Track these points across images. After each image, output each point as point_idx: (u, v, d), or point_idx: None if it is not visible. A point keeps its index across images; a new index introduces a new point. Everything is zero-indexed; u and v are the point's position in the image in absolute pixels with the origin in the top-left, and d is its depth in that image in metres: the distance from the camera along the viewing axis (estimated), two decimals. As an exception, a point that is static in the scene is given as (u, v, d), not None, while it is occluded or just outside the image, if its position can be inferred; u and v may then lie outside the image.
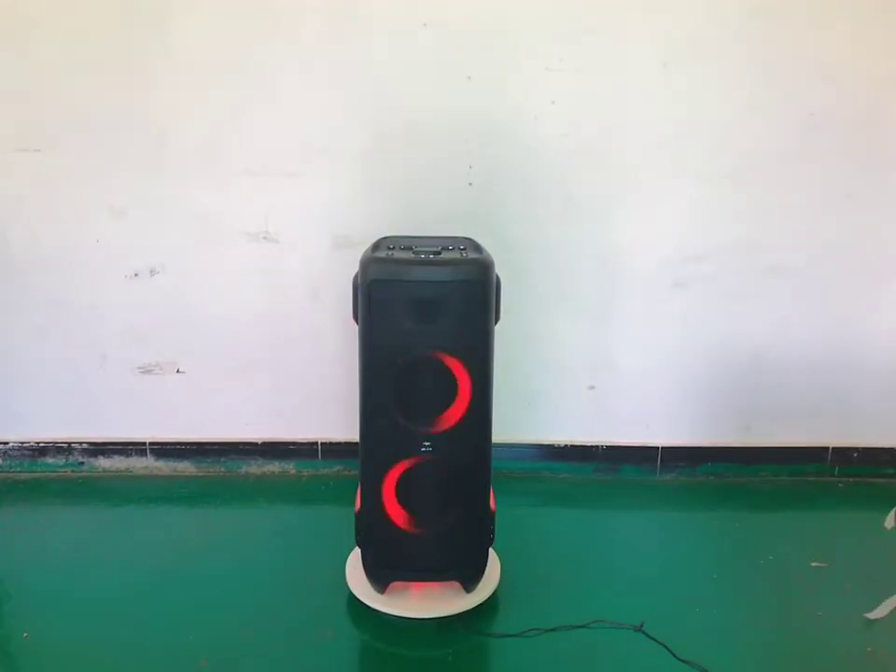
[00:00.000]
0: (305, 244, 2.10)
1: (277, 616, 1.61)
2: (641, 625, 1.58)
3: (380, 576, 1.64)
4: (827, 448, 2.26)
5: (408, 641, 1.57)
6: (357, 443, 1.60)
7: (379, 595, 1.64)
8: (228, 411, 2.23)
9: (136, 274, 2.12)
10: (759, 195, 2.08)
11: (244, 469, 2.26)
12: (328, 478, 2.24)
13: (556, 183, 2.06)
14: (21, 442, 2.24)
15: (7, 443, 2.24)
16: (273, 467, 2.27)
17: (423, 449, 1.54)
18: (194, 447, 2.25)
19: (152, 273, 2.12)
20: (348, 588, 1.68)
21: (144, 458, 2.25)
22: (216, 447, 2.25)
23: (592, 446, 2.26)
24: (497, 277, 1.53)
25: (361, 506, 1.61)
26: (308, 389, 2.21)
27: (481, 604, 1.64)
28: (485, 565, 1.66)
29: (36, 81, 1.99)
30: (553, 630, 1.57)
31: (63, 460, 2.25)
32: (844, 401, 2.23)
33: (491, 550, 1.69)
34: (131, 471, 2.25)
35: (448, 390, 1.53)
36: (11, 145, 2.03)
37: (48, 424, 2.23)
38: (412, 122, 2.02)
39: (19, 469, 2.25)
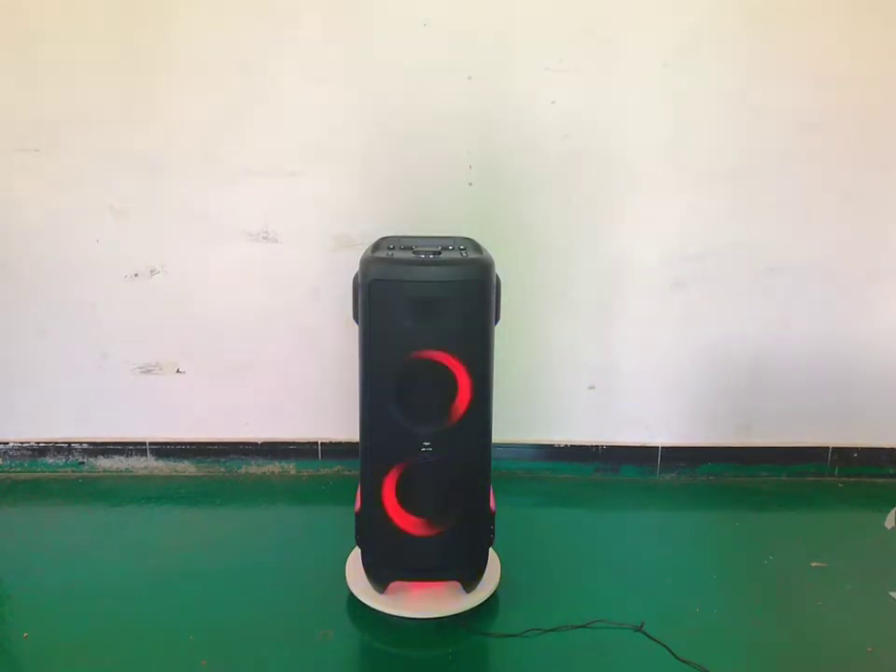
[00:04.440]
0: (305, 244, 2.10)
1: (277, 616, 1.61)
2: (641, 625, 1.58)
3: (380, 576, 1.64)
4: (827, 448, 2.26)
5: (408, 641, 1.57)
6: (357, 443, 1.60)
7: (379, 595, 1.64)
8: (228, 411, 2.23)
9: (136, 274, 2.12)
10: (759, 195, 2.08)
11: (244, 469, 2.26)
12: (328, 478, 2.24)
13: (556, 183, 2.06)
14: (21, 442, 2.24)
15: (7, 443, 2.24)
16: (273, 467, 2.27)
17: (423, 449, 1.54)
18: (194, 447, 2.25)
19: (152, 273, 2.12)
20: (348, 588, 1.68)
21: (144, 458, 2.25)
22: (216, 447, 2.25)
23: (592, 446, 2.26)
24: (497, 277, 1.53)
25: (361, 506, 1.61)
26: (308, 389, 2.21)
27: (481, 604, 1.64)
28: (485, 565, 1.66)
29: (36, 81, 1.99)
30: (553, 630, 1.57)
31: (63, 460, 2.25)
32: (844, 401, 2.23)
33: (491, 550, 1.69)
34: (131, 471, 2.26)
35: (448, 390, 1.52)
36: (11, 145, 2.03)
37: (48, 424, 2.23)
38: (412, 122, 2.02)
39: (19, 469, 2.25)
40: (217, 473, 2.26)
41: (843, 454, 2.26)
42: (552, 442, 2.26)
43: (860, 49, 1.99)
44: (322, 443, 2.25)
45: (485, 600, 1.65)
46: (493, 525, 1.66)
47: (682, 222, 2.10)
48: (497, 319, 1.55)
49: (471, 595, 1.64)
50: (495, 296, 1.53)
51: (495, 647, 1.56)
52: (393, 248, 1.59)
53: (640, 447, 2.26)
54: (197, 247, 2.10)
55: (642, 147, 2.05)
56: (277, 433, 2.25)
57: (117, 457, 2.25)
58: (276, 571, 1.77)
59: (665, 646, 1.52)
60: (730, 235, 2.11)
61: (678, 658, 1.49)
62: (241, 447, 2.25)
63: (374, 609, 1.62)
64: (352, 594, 1.67)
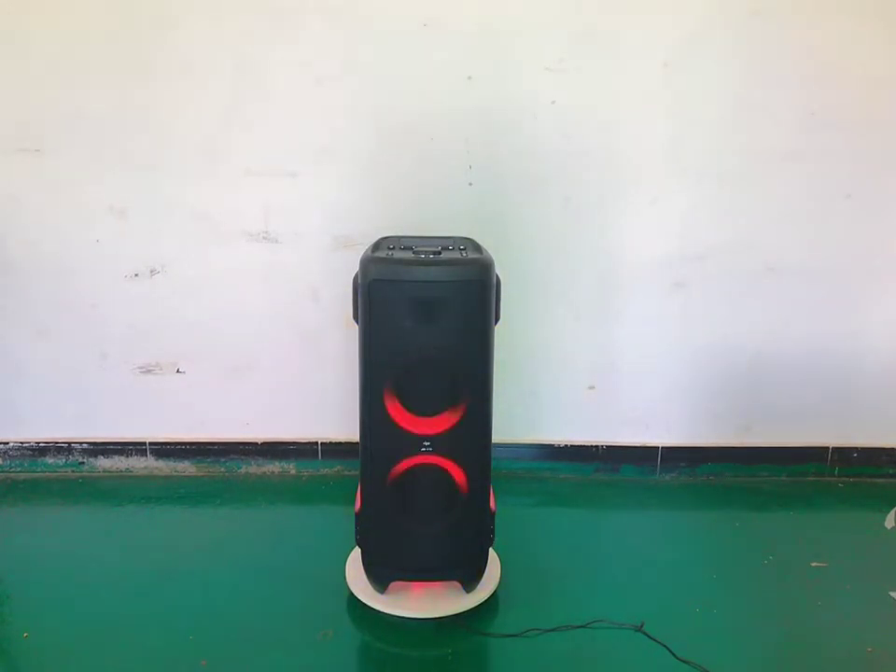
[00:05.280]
0: (305, 244, 2.10)
1: (277, 616, 1.61)
2: (641, 625, 1.58)
3: (380, 576, 1.64)
4: (827, 448, 2.26)
5: (408, 641, 1.57)
6: (357, 443, 1.60)
7: (379, 595, 1.64)
8: (228, 411, 2.23)
9: (136, 274, 2.12)
10: (759, 195, 2.08)
11: (244, 469, 2.26)
12: (328, 478, 2.24)
13: (556, 183, 2.06)
14: (21, 442, 2.24)
15: (7, 443, 2.24)
16: (273, 467, 2.27)
17: (423, 449, 1.54)
18: (194, 447, 2.25)
19: (152, 273, 2.12)
20: (348, 588, 1.68)
21: (144, 458, 2.25)
22: (216, 447, 2.25)
23: (592, 446, 2.26)
24: (497, 277, 1.53)
25: (361, 506, 1.61)
26: (308, 389, 2.21)
27: (481, 604, 1.64)
28: (485, 565, 1.66)
29: (36, 81, 1.99)
30: (553, 630, 1.57)
31: (63, 460, 2.24)
32: (844, 401, 2.23)
33: (491, 550, 1.69)
34: (131, 471, 2.25)
35: (448, 390, 1.52)
36: (11, 145, 2.03)
37: (48, 424, 2.22)
38: (412, 122, 2.02)
39: (19, 469, 2.25)
40: (217, 473, 2.26)
41: (843, 454, 2.26)
42: (552, 442, 2.26)
43: (860, 48, 1.99)
44: (322, 443, 2.25)
45: (485, 600, 1.65)
46: (493, 524, 1.66)
47: (682, 222, 2.10)
48: (497, 319, 1.55)
49: (471, 595, 1.64)
50: (495, 296, 1.52)
51: (494, 647, 1.56)
52: (393, 248, 1.59)
53: (640, 447, 2.26)
54: (197, 247, 2.10)
55: (642, 147, 2.04)
56: (277, 433, 2.25)
57: (117, 457, 2.25)
58: (276, 571, 1.77)
59: (665, 646, 1.52)
60: (730, 235, 2.11)
61: (678, 658, 1.49)
62: (241, 447, 2.25)
63: (374, 609, 1.62)
64: (352, 594, 1.67)
